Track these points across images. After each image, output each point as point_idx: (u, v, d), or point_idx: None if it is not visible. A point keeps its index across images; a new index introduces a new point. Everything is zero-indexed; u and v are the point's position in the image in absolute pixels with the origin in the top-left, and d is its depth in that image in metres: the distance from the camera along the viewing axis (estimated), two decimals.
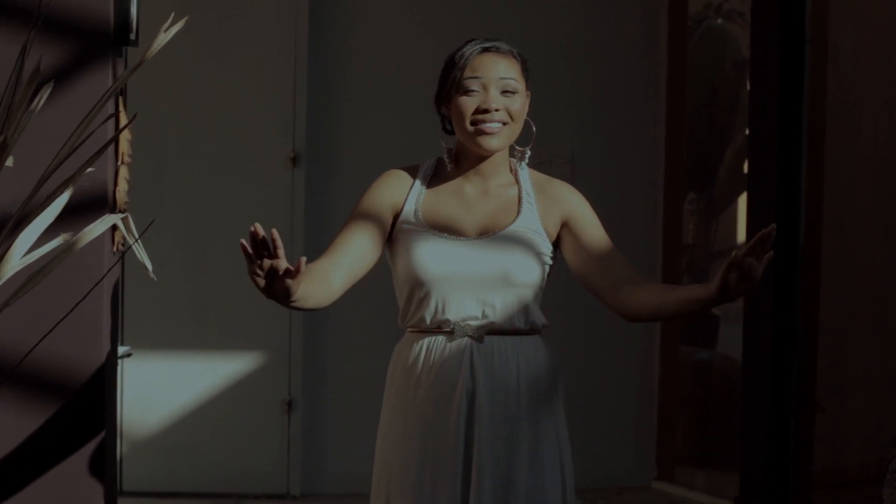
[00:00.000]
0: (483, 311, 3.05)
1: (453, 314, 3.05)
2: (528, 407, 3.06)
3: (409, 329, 3.14)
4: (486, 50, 3.07)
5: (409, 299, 3.09)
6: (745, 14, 6.65)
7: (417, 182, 3.14)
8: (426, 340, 3.09)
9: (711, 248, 7.24)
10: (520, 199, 3.11)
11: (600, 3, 6.57)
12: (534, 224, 3.09)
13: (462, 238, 3.08)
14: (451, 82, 3.07)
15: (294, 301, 2.78)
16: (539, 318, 3.13)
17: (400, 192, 3.12)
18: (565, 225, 3.12)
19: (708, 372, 6.98)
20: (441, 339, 3.07)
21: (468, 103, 3.05)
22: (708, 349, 7.06)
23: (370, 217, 3.09)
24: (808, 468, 5.39)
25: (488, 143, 3.06)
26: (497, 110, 3.04)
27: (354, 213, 3.10)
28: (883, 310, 5.45)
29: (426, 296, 3.05)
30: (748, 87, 5.92)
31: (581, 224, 3.11)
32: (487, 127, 3.04)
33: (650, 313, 3.01)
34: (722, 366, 6.89)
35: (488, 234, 3.08)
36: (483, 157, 3.10)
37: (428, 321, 3.07)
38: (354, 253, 3.04)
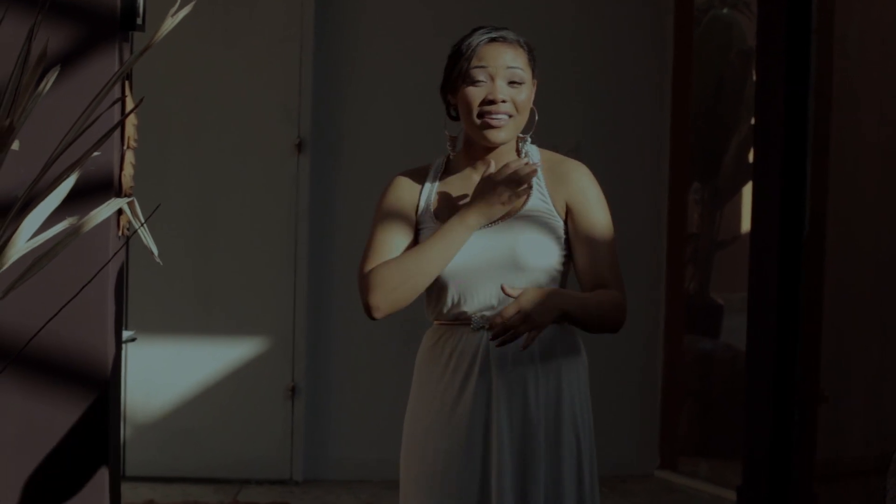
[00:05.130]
0: (498, 301, 3.02)
1: (470, 306, 3.04)
2: (544, 401, 3.03)
3: (434, 321, 3.14)
4: (493, 39, 3.05)
5: (429, 293, 3.09)
6: (750, 4, 6.64)
7: (427, 184, 3.12)
8: (446, 332, 3.09)
9: (716, 237, 7.24)
10: None
11: None
12: (543, 205, 3.05)
13: None
14: (457, 72, 3.05)
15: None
16: None
17: (413, 195, 3.11)
18: (568, 209, 3.07)
19: (711, 362, 6.98)
20: (460, 330, 3.07)
21: (475, 94, 3.03)
22: (712, 339, 7.07)
23: (400, 219, 3.09)
24: (810, 459, 5.38)
25: (495, 136, 3.04)
26: (504, 101, 3.02)
27: (382, 218, 3.08)
28: (887, 301, 5.43)
29: (443, 289, 3.05)
30: (754, 77, 5.91)
31: (579, 210, 3.07)
32: (494, 120, 3.02)
33: None
34: (725, 356, 6.89)
35: (497, 220, 3.05)
36: (490, 148, 3.09)
37: (446, 313, 3.07)
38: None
